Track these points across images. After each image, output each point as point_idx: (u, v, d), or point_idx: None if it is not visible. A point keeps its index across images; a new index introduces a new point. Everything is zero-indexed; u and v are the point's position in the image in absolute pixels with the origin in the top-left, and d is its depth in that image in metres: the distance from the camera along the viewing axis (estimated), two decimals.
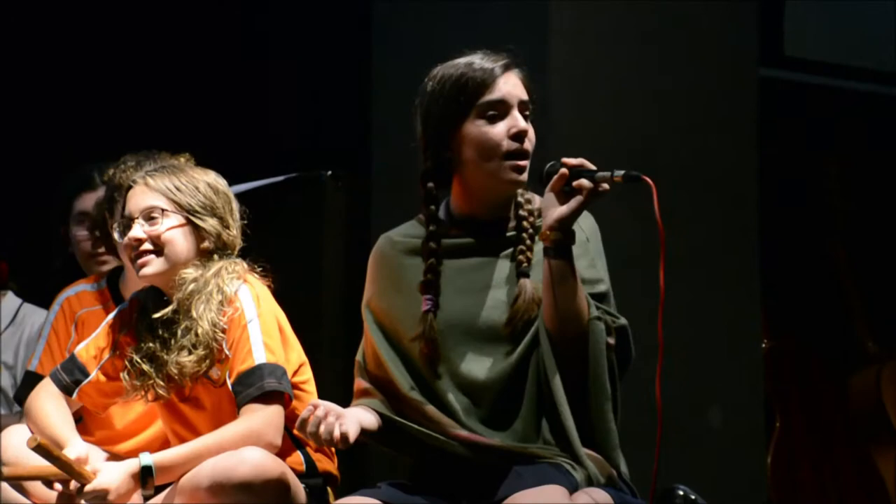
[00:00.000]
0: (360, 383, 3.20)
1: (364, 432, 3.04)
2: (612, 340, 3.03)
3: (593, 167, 2.97)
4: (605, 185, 2.94)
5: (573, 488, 2.90)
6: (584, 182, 2.94)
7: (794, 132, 6.00)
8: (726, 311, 4.63)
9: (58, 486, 3.25)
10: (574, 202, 2.95)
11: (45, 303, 4.01)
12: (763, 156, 4.78)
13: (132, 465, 3.25)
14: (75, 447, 3.32)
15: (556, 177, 2.96)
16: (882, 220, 6.15)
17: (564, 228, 2.96)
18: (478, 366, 3.07)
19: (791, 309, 5.89)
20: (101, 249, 4.07)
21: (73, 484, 3.23)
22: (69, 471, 3.23)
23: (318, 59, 5.37)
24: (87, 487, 3.21)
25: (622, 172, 2.92)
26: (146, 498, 3.29)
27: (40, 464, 3.25)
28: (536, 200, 3.12)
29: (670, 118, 4.59)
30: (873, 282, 5.97)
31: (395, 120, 4.75)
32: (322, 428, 2.91)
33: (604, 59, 4.53)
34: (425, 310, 3.09)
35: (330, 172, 4.75)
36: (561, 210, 2.96)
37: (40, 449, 3.18)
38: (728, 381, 4.59)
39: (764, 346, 5.16)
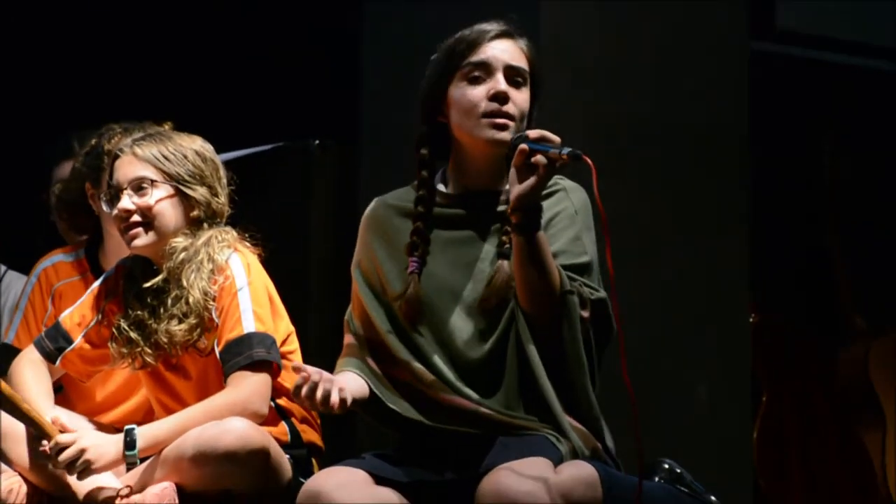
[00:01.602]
0: (348, 338, 3.19)
1: (353, 401, 3.04)
2: (586, 313, 3.02)
3: (556, 139, 2.92)
4: (563, 160, 2.88)
5: (558, 461, 2.90)
6: (540, 158, 2.90)
7: (785, 106, 5.98)
8: (714, 284, 4.62)
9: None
10: (532, 179, 2.91)
11: (28, 270, 3.98)
12: (753, 130, 4.76)
13: (118, 436, 3.24)
14: (48, 414, 3.30)
15: (516, 153, 2.93)
16: (874, 195, 6.14)
17: (525, 207, 2.93)
18: (462, 336, 3.06)
19: (779, 283, 5.88)
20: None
21: (45, 444, 3.22)
22: (34, 424, 3.22)
23: (308, 28, 5.34)
24: (62, 438, 3.19)
25: (568, 150, 2.88)
26: (129, 468, 3.28)
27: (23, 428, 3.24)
28: None
29: (661, 92, 4.57)
30: (862, 258, 5.97)
31: (386, 89, 4.75)
32: (319, 393, 2.87)
33: (594, 33, 4.50)
34: (410, 270, 3.09)
35: (318, 141, 4.73)
36: (520, 188, 2.92)
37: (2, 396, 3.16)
38: (715, 356, 4.58)
39: (751, 320, 5.15)
